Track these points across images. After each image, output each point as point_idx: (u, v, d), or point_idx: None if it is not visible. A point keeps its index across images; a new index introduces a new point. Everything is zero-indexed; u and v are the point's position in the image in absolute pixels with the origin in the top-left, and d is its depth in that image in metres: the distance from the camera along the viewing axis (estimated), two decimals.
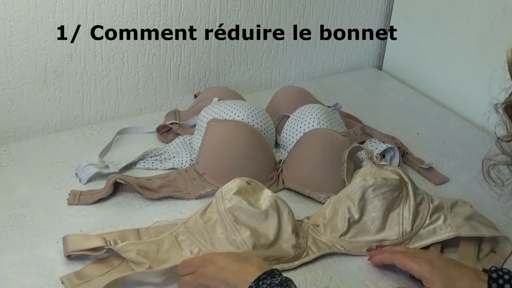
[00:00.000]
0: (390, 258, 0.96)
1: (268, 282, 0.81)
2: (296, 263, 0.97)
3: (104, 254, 0.95)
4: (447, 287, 0.87)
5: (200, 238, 0.97)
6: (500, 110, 0.69)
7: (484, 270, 0.89)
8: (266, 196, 0.99)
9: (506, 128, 0.69)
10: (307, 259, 0.98)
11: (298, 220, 1.04)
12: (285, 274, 0.92)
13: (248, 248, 0.93)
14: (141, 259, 0.92)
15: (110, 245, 0.93)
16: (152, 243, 0.96)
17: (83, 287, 0.89)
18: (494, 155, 0.71)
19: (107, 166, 1.16)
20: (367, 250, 1.00)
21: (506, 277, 0.85)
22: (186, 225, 0.99)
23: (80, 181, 1.14)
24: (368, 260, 0.99)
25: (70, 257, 0.95)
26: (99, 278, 0.90)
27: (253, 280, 0.82)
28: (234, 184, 0.99)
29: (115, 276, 0.89)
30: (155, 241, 0.97)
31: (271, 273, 0.83)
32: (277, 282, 0.81)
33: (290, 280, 0.82)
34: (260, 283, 0.81)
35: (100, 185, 1.12)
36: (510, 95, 0.68)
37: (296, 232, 0.99)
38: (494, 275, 0.86)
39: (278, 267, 0.95)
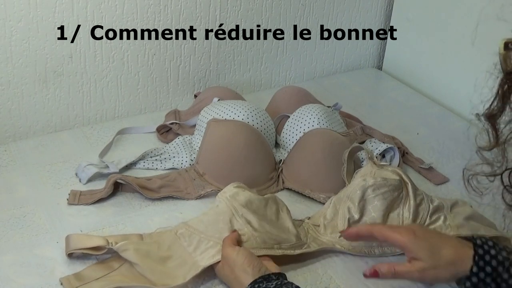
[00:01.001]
0: (368, 229, 0.92)
1: (264, 286, 0.82)
2: (298, 251, 0.97)
3: (105, 255, 0.95)
4: (432, 255, 0.85)
5: (199, 227, 0.97)
6: (482, 119, 0.68)
7: (466, 239, 0.88)
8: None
9: (489, 136, 0.68)
10: (308, 250, 0.98)
11: (298, 220, 1.04)
12: (286, 268, 0.94)
13: (249, 229, 0.93)
14: (138, 259, 0.92)
15: (112, 246, 0.93)
16: (153, 243, 0.96)
17: None
18: (474, 165, 0.71)
19: (107, 166, 1.16)
20: (340, 232, 0.97)
21: (490, 243, 0.85)
22: (186, 223, 0.99)
23: (80, 181, 1.14)
24: (340, 236, 0.96)
25: (71, 256, 0.95)
26: (98, 282, 0.90)
27: (249, 283, 0.83)
28: (232, 183, 1.00)
29: (119, 282, 0.89)
30: (156, 242, 0.97)
31: (267, 278, 0.83)
32: (272, 286, 0.81)
33: (286, 284, 0.82)
34: (256, 286, 0.82)
35: (100, 185, 1.12)
36: (490, 104, 0.67)
37: (295, 227, 0.99)
38: (478, 242, 0.85)
39: (279, 252, 0.94)
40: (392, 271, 0.87)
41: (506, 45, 0.64)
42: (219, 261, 0.91)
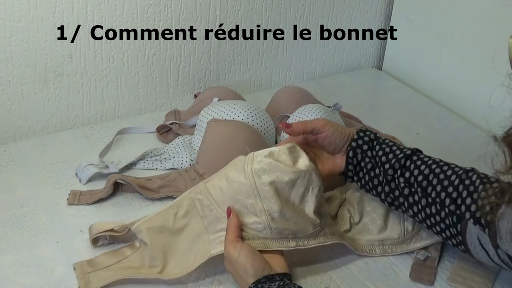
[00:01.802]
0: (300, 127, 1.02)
1: (267, 286, 0.82)
2: (311, 242, 0.94)
3: (116, 246, 0.97)
4: (331, 123, 1.00)
5: (217, 198, 0.94)
6: (499, 141, 0.66)
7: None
8: (303, 164, 0.94)
9: (505, 159, 0.66)
10: (322, 240, 0.95)
11: None
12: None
13: (266, 218, 0.90)
14: (150, 239, 0.93)
15: (130, 227, 0.95)
16: (170, 208, 0.96)
17: (93, 275, 0.91)
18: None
19: (107, 166, 1.16)
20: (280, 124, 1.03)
21: (372, 135, 0.98)
22: (206, 186, 0.96)
23: (80, 181, 1.14)
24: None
25: (96, 244, 0.97)
26: (108, 270, 0.92)
27: (252, 282, 0.83)
28: (265, 151, 0.94)
29: (127, 274, 0.91)
30: (173, 205, 0.96)
31: (271, 278, 0.83)
32: (274, 287, 0.81)
33: (288, 285, 0.82)
34: (259, 286, 0.82)
35: (100, 185, 1.12)
36: (510, 128, 0.66)
37: (318, 211, 0.95)
38: (361, 134, 0.99)
39: (293, 244, 0.92)
40: (304, 124, 1.01)
41: None
42: None
